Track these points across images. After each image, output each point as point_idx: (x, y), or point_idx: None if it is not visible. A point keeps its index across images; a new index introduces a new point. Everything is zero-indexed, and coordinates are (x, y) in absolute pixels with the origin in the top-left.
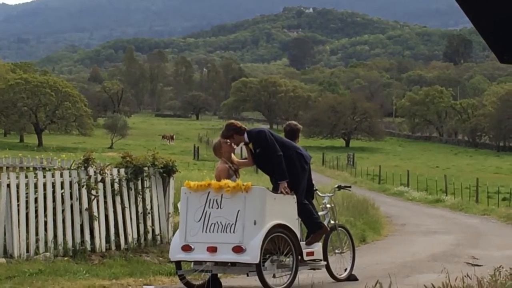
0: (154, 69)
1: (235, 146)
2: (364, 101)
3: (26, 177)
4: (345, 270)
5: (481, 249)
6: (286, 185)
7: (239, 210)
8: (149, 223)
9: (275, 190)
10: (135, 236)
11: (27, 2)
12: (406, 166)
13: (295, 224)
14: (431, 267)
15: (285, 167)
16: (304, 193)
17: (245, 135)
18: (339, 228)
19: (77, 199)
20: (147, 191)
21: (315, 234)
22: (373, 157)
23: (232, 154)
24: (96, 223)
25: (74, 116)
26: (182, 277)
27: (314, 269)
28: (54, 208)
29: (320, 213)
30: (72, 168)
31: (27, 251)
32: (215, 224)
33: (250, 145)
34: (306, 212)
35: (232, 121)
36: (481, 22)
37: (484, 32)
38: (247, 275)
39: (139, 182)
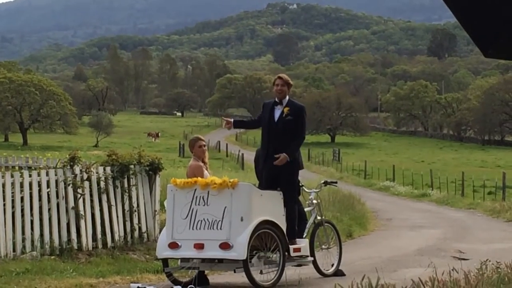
0: (138, 67)
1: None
2: (349, 97)
3: (12, 176)
4: (332, 265)
5: (467, 243)
6: (285, 160)
7: (225, 207)
8: (135, 221)
9: (261, 186)
10: (122, 234)
11: (10, 0)
12: (391, 161)
13: (281, 220)
14: (417, 261)
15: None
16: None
17: (287, 98)
18: (326, 224)
19: (63, 197)
20: (133, 189)
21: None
22: (359, 152)
23: (206, 154)
24: (82, 222)
25: (58, 114)
26: (169, 275)
27: (301, 265)
28: (40, 207)
29: (306, 209)
30: (57, 167)
31: (14, 250)
32: (201, 221)
33: (286, 109)
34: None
35: None
36: (465, 16)
37: (468, 26)
38: (234, 272)
39: (125, 180)
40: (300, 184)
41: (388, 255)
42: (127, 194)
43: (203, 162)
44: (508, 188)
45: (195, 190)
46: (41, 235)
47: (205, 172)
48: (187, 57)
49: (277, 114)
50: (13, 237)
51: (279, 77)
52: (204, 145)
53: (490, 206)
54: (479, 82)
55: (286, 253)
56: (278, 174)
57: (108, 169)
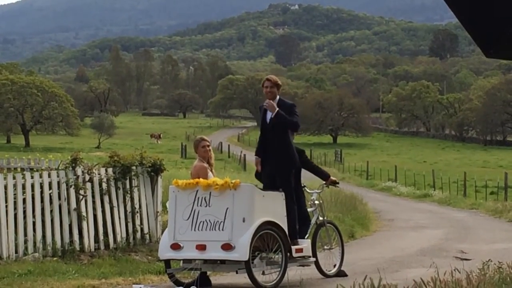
0: (140, 68)
1: (266, 104)
2: (351, 97)
3: (14, 178)
4: (334, 266)
5: (470, 243)
6: (273, 107)
7: (227, 208)
8: (137, 222)
9: (263, 187)
10: (124, 235)
11: (12, 2)
12: (393, 162)
13: (283, 221)
14: (420, 261)
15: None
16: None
17: (277, 98)
18: (328, 224)
19: (65, 199)
20: (135, 190)
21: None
22: (361, 153)
23: (212, 154)
24: (84, 223)
25: (60, 116)
26: (171, 276)
27: (303, 265)
28: (43, 209)
29: (308, 210)
30: (59, 168)
31: (16, 251)
32: (204, 222)
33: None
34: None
35: None
36: (466, 16)
37: (469, 26)
38: (237, 273)
39: (127, 181)
40: (303, 185)
41: (390, 255)
42: (129, 196)
43: (208, 163)
44: (510, 188)
45: (197, 191)
46: (43, 236)
47: (210, 173)
48: (189, 58)
49: (269, 115)
50: (16, 239)
51: (268, 79)
52: (208, 146)
53: (492, 206)
54: (481, 82)
55: (288, 254)
56: (274, 173)
57: (110, 170)
